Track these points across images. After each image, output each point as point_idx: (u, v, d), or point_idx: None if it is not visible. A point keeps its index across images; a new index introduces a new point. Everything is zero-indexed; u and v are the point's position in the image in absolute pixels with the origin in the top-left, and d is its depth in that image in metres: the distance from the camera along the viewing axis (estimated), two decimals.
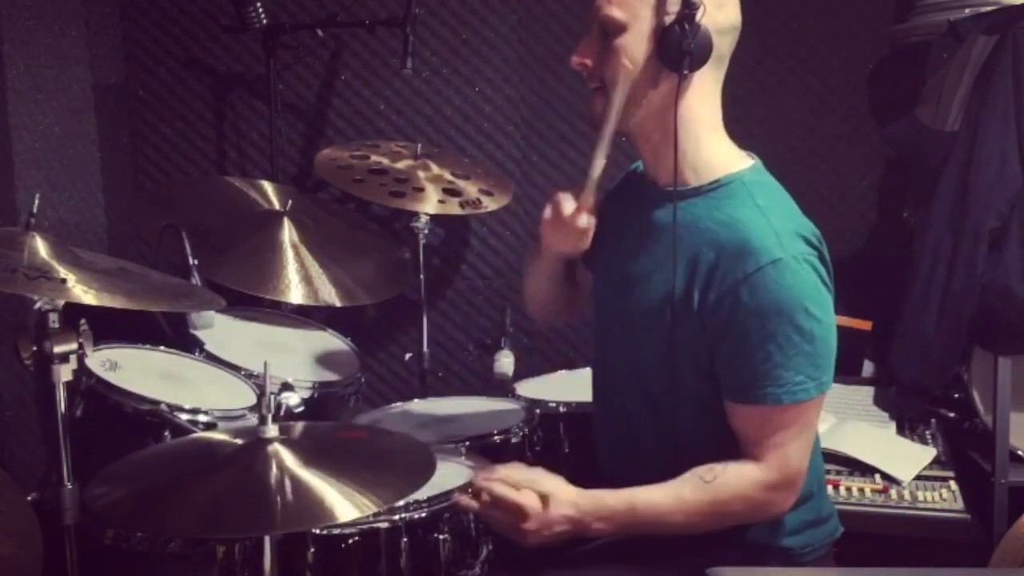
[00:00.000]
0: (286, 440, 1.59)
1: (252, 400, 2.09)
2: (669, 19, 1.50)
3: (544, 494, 1.53)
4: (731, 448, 1.55)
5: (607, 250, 1.73)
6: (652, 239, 1.61)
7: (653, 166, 1.64)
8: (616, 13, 1.53)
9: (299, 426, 1.73)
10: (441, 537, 1.75)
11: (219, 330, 2.31)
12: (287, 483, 1.50)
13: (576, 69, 1.61)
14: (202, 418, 1.97)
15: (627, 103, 1.57)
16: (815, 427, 1.57)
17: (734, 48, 1.58)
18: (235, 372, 2.19)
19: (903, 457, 2.20)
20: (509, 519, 1.54)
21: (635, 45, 1.53)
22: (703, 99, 1.57)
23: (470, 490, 1.60)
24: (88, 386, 1.93)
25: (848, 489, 2.07)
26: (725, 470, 1.53)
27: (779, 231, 1.50)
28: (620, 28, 1.54)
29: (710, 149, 1.59)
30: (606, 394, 1.78)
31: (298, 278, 2.42)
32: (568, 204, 1.67)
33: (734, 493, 1.53)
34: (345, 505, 1.46)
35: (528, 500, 1.52)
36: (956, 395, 2.43)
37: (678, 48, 1.49)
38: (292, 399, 2.08)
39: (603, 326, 1.76)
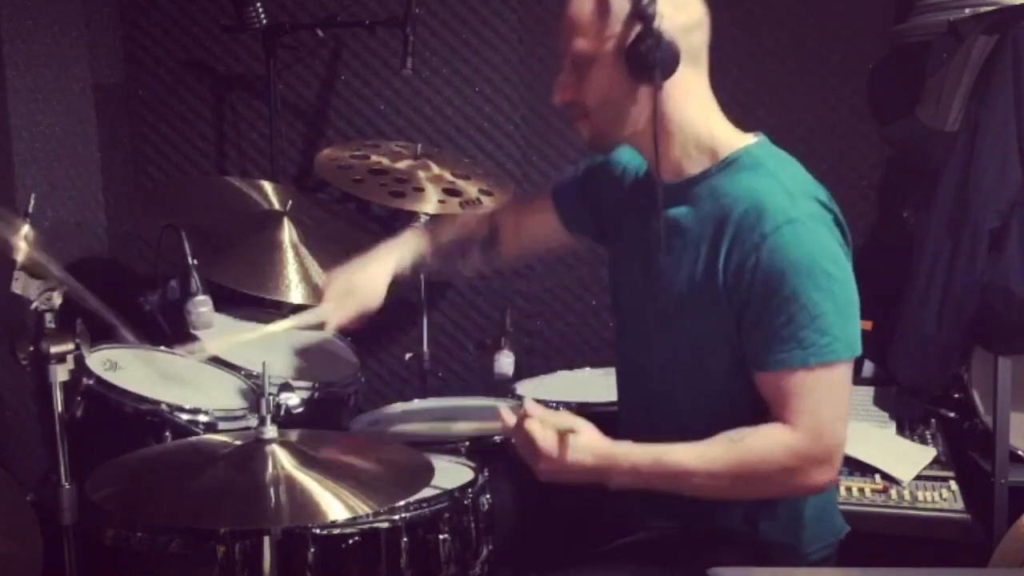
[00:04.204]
0: (284, 441, 1.60)
1: (252, 400, 2.09)
2: (631, 37, 1.51)
3: (565, 434, 1.51)
4: None
5: (626, 252, 1.73)
6: (671, 234, 1.61)
7: (657, 166, 1.63)
8: (581, 45, 1.55)
9: (298, 432, 1.74)
10: (441, 537, 1.75)
11: (219, 330, 2.31)
12: (282, 482, 1.51)
13: (560, 104, 1.63)
14: (202, 418, 1.97)
15: (614, 123, 1.59)
16: (847, 395, 1.53)
17: (708, 37, 1.59)
18: (235, 372, 2.19)
19: (903, 457, 2.20)
20: (528, 452, 1.54)
21: (607, 70, 1.55)
22: (688, 96, 1.58)
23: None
24: (88, 386, 1.93)
25: (848, 489, 2.07)
26: (755, 431, 1.50)
27: (793, 193, 1.52)
28: (589, 58, 1.55)
29: (710, 136, 1.60)
30: (634, 390, 1.78)
31: (298, 278, 2.42)
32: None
33: (763, 455, 1.50)
34: (339, 506, 1.47)
35: (546, 443, 1.51)
36: (956, 395, 2.43)
37: (645, 62, 1.50)
38: (292, 399, 2.07)
39: (628, 327, 1.76)
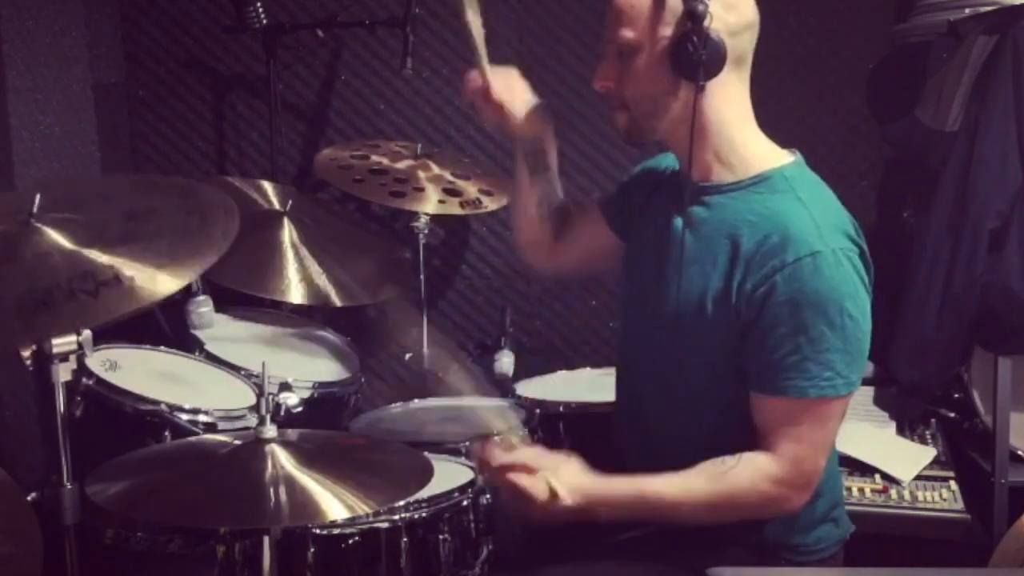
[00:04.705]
0: (284, 441, 1.60)
1: (252, 400, 2.09)
2: (679, 33, 1.51)
3: (554, 487, 1.53)
4: (755, 446, 1.55)
5: (642, 247, 1.73)
6: (689, 234, 1.60)
7: (686, 165, 1.63)
8: (628, 34, 1.55)
9: (298, 431, 1.74)
10: (441, 537, 1.75)
11: (219, 330, 2.31)
12: (282, 481, 1.51)
13: (600, 91, 1.63)
14: (202, 418, 1.97)
15: (651, 116, 1.59)
16: (836, 427, 1.56)
17: (755, 42, 1.58)
18: (235, 372, 2.20)
19: (903, 457, 2.20)
20: (520, 501, 1.55)
21: (651, 63, 1.55)
22: (728, 100, 1.57)
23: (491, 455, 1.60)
24: (88, 386, 1.93)
25: (848, 489, 2.07)
26: (738, 463, 1.52)
27: (820, 224, 1.50)
28: (634, 48, 1.55)
29: (745, 146, 1.60)
30: (631, 390, 1.77)
31: (298, 278, 2.42)
32: (472, 83, 1.79)
33: (746, 486, 1.52)
34: (339, 506, 1.47)
35: (537, 491, 1.53)
36: (956, 395, 2.43)
37: (690, 60, 1.50)
38: (291, 399, 2.08)
39: (633, 322, 1.75)
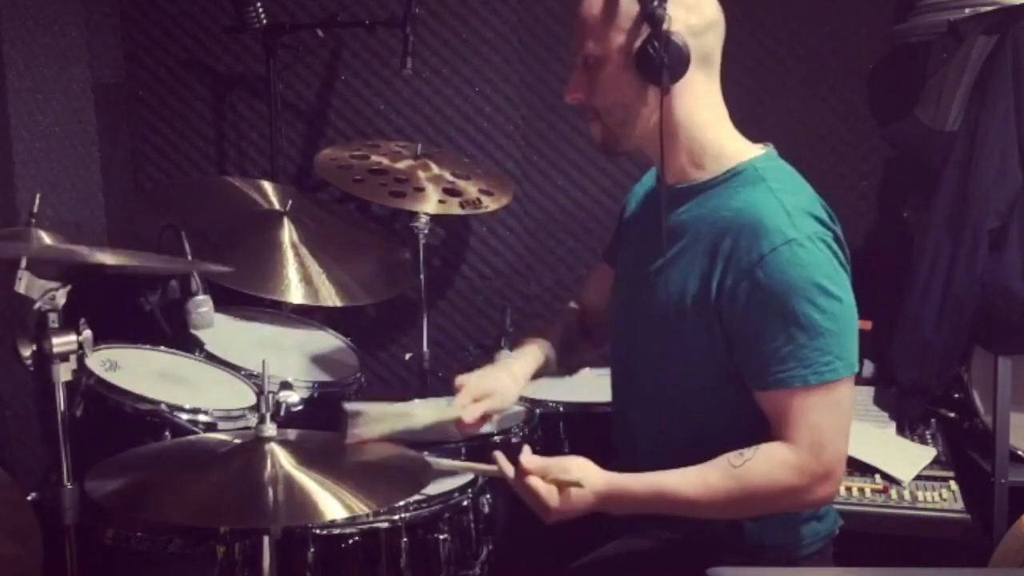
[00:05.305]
0: (283, 440, 1.60)
1: (252, 400, 2.09)
2: (640, 39, 1.52)
3: (567, 485, 1.52)
4: (758, 440, 1.53)
5: (630, 250, 1.74)
6: (669, 238, 1.61)
7: (662, 169, 1.64)
8: (592, 48, 1.56)
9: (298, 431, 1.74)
10: (441, 537, 1.75)
11: (219, 330, 2.31)
12: (281, 481, 1.51)
13: (571, 104, 1.64)
14: (202, 418, 1.97)
15: (623, 124, 1.60)
16: (848, 411, 1.54)
17: (722, 41, 1.59)
18: (235, 372, 2.20)
19: (903, 457, 2.20)
20: (534, 505, 1.54)
21: (617, 72, 1.56)
22: (698, 100, 1.58)
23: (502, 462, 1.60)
24: (88, 386, 1.94)
25: (848, 489, 2.07)
26: (755, 454, 1.50)
27: (792, 212, 1.51)
28: (599, 59, 1.56)
29: (718, 144, 1.60)
30: (623, 395, 1.78)
31: (298, 278, 2.42)
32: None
33: (765, 477, 1.50)
34: (338, 506, 1.47)
35: (551, 498, 1.52)
36: (956, 395, 2.43)
37: (653, 64, 1.51)
38: (291, 399, 2.08)
39: (621, 326, 1.76)
